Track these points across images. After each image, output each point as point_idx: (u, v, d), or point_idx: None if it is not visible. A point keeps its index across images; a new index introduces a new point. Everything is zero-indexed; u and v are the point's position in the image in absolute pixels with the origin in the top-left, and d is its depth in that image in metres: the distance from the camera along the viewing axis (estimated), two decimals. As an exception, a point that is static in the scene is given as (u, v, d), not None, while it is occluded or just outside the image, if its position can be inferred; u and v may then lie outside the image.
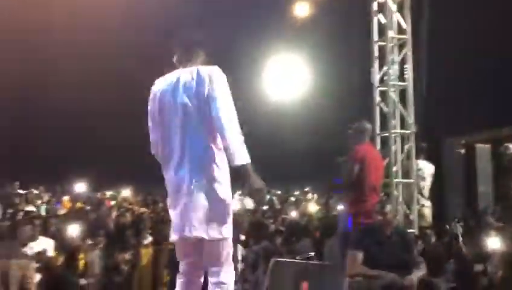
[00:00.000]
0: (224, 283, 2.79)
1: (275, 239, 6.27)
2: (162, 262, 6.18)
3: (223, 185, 2.81)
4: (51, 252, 5.67)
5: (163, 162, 2.90)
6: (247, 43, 12.65)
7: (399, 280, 3.97)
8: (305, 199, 13.75)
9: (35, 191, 11.47)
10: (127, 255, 6.03)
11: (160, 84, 2.95)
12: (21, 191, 11.84)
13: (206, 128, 2.78)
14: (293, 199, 14.31)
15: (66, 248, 5.86)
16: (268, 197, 13.66)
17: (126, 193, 13.52)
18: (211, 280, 2.81)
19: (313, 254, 4.98)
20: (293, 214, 9.78)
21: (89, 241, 6.22)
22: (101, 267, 5.93)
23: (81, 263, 5.89)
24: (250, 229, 6.93)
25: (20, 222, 5.68)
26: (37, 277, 5.10)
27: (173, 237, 2.85)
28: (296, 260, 4.78)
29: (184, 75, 2.86)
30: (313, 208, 11.46)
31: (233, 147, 2.66)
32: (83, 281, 5.84)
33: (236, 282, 5.46)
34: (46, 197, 11.22)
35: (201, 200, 2.73)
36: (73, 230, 6.16)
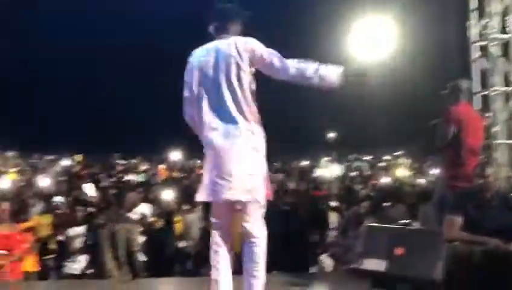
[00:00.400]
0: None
1: (365, 204, 6.18)
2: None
3: (260, 152, 3.01)
4: (150, 217, 6.08)
5: (205, 129, 2.99)
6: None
7: (503, 246, 3.75)
8: (396, 164, 13.33)
9: (135, 161, 12.27)
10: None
11: (198, 55, 3.09)
12: (123, 161, 12.77)
13: (245, 97, 2.96)
14: (383, 164, 13.95)
15: (164, 212, 6.23)
16: (356, 163, 13.50)
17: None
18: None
19: (408, 220, 4.83)
20: (384, 179, 9.53)
21: (186, 206, 6.55)
22: (199, 230, 6.24)
23: (179, 226, 6.24)
24: (340, 195, 6.89)
25: (125, 190, 6.11)
26: (141, 240, 5.50)
27: (212, 198, 2.97)
28: (390, 225, 4.67)
29: (222, 46, 3.01)
30: (404, 172, 11.09)
31: (319, 73, 2.98)
32: (182, 243, 6.21)
33: (329, 247, 5.49)
34: (144, 167, 11.95)
35: (241, 164, 2.89)
36: (169, 196, 6.50)
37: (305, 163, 14.34)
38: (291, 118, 23.42)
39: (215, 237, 3.07)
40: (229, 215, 3.04)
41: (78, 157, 13.78)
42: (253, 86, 3.06)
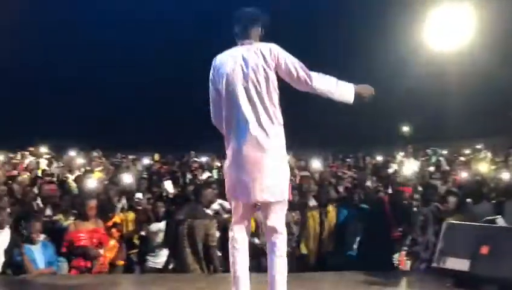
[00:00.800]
0: None
1: (446, 200, 5.91)
2: (328, 224, 6.32)
3: (285, 154, 3.23)
4: (224, 213, 6.19)
5: (232, 132, 3.17)
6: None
7: None
8: (478, 158, 12.61)
9: (208, 159, 12.60)
10: (295, 215, 6.28)
11: (223, 62, 3.23)
12: (196, 159, 13.17)
13: (273, 104, 3.15)
14: (462, 158, 13.25)
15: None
16: (435, 158, 12.92)
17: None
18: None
19: (499, 217, 4.56)
20: (464, 174, 9.06)
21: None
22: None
23: (252, 222, 6.30)
24: (419, 191, 6.66)
25: (202, 186, 6.28)
26: (217, 235, 5.63)
27: (240, 199, 3.17)
28: (472, 223, 4.45)
29: (249, 54, 3.17)
30: (487, 167, 10.46)
31: (335, 90, 3.20)
32: (256, 241, 6.27)
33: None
34: (218, 164, 12.22)
35: (269, 166, 3.10)
36: None
37: (379, 159, 13.95)
38: (361, 113, 22.87)
39: (235, 234, 3.26)
40: (251, 214, 3.33)
41: (157, 156, 14.37)
42: (278, 91, 3.21)
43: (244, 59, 3.17)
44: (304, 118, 24.28)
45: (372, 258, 5.48)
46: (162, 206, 6.37)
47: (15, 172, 10.25)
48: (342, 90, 3.23)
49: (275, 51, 3.17)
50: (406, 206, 6.03)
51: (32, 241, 5.07)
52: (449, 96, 19.26)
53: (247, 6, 3.39)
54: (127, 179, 8.20)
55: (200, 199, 5.67)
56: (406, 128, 22.37)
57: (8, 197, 6.66)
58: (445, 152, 14.77)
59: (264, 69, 3.13)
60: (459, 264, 4.14)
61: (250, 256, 5.31)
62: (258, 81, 3.13)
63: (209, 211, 5.83)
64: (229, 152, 3.22)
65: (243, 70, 3.16)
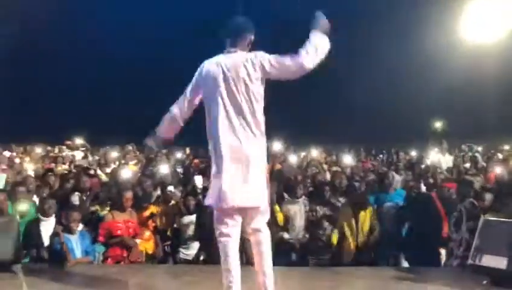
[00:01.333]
0: None
1: (482, 197, 5.77)
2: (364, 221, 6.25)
3: (263, 164, 3.37)
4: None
5: (219, 140, 3.28)
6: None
7: None
8: (515, 155, 12.22)
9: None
10: (327, 211, 6.26)
11: (208, 68, 3.39)
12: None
13: (254, 111, 3.29)
14: (500, 155, 12.86)
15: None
16: (470, 154, 12.61)
17: (314, 152, 13.96)
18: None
19: None
20: (503, 171, 8.77)
21: (288, 197, 6.62)
22: (304, 221, 6.30)
23: (280, 216, 6.31)
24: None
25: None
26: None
27: (232, 204, 3.26)
28: (510, 220, 4.34)
29: (233, 61, 3.31)
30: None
31: (321, 49, 3.30)
32: (285, 235, 6.29)
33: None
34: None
35: (257, 170, 3.27)
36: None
37: (413, 154, 13.72)
38: (394, 108, 22.63)
39: (226, 229, 3.37)
40: (240, 216, 3.40)
41: (188, 150, 14.53)
42: (262, 99, 3.35)
43: (227, 65, 3.32)
44: (335, 113, 24.19)
45: (420, 254, 5.46)
46: (192, 199, 6.46)
47: (53, 165, 10.61)
48: (322, 43, 3.32)
49: (260, 56, 3.32)
50: (454, 202, 5.91)
51: (70, 231, 5.25)
52: (487, 91, 18.76)
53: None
54: (164, 170, 8.33)
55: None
56: (438, 124, 21.94)
57: (48, 189, 6.92)
58: (480, 148, 14.40)
59: (247, 77, 3.27)
60: (495, 261, 4.06)
61: (279, 251, 5.37)
62: (238, 91, 3.28)
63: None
64: (215, 159, 3.35)
65: (226, 76, 3.30)
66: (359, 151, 14.08)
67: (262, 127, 3.35)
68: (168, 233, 6.53)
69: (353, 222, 6.12)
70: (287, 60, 3.29)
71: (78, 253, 5.25)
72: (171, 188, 7.10)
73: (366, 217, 6.14)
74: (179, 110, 3.58)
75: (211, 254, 5.93)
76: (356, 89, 21.75)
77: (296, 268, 5.46)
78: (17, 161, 10.85)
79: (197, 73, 3.50)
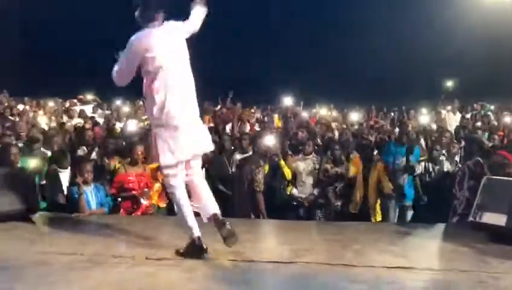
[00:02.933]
0: None
1: (490, 156, 5.79)
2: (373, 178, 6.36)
3: None
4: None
5: (171, 95, 3.65)
6: None
7: None
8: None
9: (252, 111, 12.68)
10: (338, 169, 6.35)
11: (151, 39, 3.67)
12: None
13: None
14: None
15: (267, 158, 6.43)
16: (482, 112, 12.48)
17: (323, 111, 13.95)
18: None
19: None
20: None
21: (296, 155, 6.72)
22: (312, 178, 6.42)
23: (288, 172, 6.42)
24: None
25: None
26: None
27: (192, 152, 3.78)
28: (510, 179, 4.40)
29: (173, 33, 3.78)
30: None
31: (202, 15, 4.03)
32: (294, 191, 6.43)
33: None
34: (257, 115, 12.31)
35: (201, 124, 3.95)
36: (270, 142, 6.63)
37: (424, 112, 13.62)
38: (408, 68, 22.36)
39: (180, 177, 3.78)
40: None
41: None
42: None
43: (172, 37, 3.77)
44: (347, 73, 23.98)
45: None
46: None
47: (66, 118, 10.78)
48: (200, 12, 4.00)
49: (185, 25, 3.98)
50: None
51: (85, 182, 5.44)
52: (502, 50, 18.33)
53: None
54: None
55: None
56: (450, 83, 21.60)
57: (61, 142, 7.09)
58: (493, 107, 14.24)
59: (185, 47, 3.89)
60: (496, 219, 4.15)
61: (288, 206, 5.53)
62: (186, 57, 3.84)
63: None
64: (170, 118, 3.67)
65: (173, 47, 3.76)
66: (370, 109, 14.03)
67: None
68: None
69: (360, 177, 6.27)
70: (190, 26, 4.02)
71: (93, 205, 5.46)
72: None
73: (374, 173, 6.26)
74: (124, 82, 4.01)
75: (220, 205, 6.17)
76: (370, 48, 21.48)
77: (302, 222, 5.63)
78: (30, 114, 11.02)
79: (133, 47, 3.83)
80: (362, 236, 4.38)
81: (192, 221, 3.71)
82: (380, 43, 22.41)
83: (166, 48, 3.67)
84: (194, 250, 3.64)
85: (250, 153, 6.58)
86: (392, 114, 13.58)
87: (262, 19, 25.94)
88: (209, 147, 3.97)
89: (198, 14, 4.00)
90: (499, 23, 15.03)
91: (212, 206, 3.81)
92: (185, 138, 3.69)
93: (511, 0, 9.88)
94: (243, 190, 5.59)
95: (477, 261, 3.59)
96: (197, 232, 3.68)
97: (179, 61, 3.75)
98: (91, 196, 5.47)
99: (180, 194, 3.76)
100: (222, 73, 22.10)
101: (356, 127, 9.84)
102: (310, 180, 6.44)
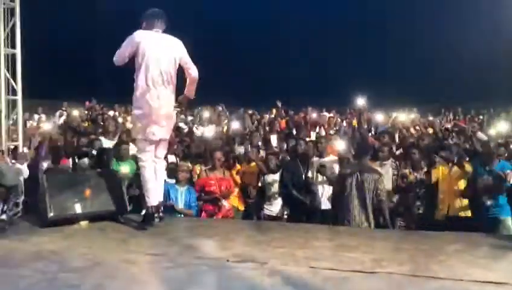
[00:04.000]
0: None
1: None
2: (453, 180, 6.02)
3: None
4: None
5: (152, 87, 4.50)
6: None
7: None
8: None
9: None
10: (419, 175, 6.10)
11: (147, 38, 4.54)
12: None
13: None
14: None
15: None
16: None
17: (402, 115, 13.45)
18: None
19: None
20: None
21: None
22: (391, 184, 6.20)
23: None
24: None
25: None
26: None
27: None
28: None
29: (169, 39, 4.65)
30: None
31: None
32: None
33: None
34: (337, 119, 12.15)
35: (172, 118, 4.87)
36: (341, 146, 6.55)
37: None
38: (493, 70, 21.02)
39: (149, 155, 4.69)
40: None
41: (275, 111, 14.56)
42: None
43: (168, 43, 4.62)
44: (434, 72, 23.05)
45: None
46: (273, 159, 6.64)
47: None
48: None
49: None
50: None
51: (178, 182, 5.77)
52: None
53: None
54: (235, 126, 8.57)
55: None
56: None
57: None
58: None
59: (176, 56, 4.69)
60: None
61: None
62: (174, 63, 4.62)
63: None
64: (148, 105, 4.49)
65: (165, 50, 4.58)
66: (456, 111, 13.36)
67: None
68: (254, 190, 6.78)
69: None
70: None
71: (180, 204, 5.68)
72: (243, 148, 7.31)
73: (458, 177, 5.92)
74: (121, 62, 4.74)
75: (293, 211, 6.17)
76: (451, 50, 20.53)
77: (383, 230, 5.45)
78: (120, 120, 11.69)
79: (132, 38, 4.64)
80: (448, 246, 4.14)
81: (150, 192, 4.63)
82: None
83: (155, 48, 4.48)
84: (147, 216, 4.62)
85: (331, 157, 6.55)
86: (481, 117, 12.84)
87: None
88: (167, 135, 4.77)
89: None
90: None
91: (157, 196, 4.68)
92: (156, 124, 4.54)
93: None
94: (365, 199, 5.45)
95: None
96: (151, 202, 4.60)
97: (163, 64, 4.49)
98: (180, 196, 5.69)
99: (148, 168, 4.66)
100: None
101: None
102: (389, 187, 6.22)
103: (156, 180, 4.72)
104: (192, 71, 4.74)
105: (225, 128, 10.27)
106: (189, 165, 6.28)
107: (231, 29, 25.78)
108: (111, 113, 13.14)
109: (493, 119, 11.50)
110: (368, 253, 3.90)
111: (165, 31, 4.68)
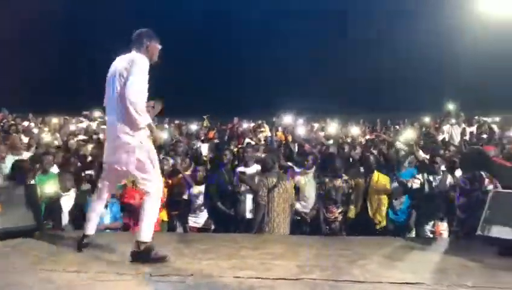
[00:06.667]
0: None
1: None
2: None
3: None
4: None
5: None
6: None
7: None
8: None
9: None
10: (339, 183, 6.30)
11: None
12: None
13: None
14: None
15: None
16: (486, 125, 12.41)
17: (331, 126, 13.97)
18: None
19: None
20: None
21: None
22: (315, 192, 6.37)
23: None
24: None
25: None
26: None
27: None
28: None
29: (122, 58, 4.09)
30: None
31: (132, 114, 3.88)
32: (297, 206, 6.37)
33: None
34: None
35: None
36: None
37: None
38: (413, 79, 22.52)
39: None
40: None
41: (206, 122, 14.57)
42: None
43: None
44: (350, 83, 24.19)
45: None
46: (201, 170, 6.60)
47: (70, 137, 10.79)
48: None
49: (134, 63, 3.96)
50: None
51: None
52: (500, 66, 18.49)
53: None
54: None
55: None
56: (452, 106, 21.53)
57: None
58: (498, 119, 14.23)
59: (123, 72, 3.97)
60: (504, 232, 4.10)
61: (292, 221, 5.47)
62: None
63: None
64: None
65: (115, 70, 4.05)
66: (375, 122, 14.05)
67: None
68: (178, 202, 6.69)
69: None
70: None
71: (106, 220, 5.55)
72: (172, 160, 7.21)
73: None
74: None
75: (219, 222, 6.16)
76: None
77: (308, 237, 5.58)
78: (35, 131, 11.06)
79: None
80: (368, 250, 4.32)
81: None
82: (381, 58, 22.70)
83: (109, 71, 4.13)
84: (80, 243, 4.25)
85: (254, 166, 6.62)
86: (397, 127, 13.58)
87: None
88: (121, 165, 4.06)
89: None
90: (499, 35, 15.10)
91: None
92: (106, 146, 4.20)
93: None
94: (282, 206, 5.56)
95: (487, 276, 3.54)
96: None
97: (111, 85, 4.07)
98: (105, 210, 5.48)
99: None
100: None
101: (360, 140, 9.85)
102: (312, 195, 6.40)
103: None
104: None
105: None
106: None
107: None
108: (25, 123, 12.38)
109: (406, 129, 12.19)
110: (293, 260, 3.97)
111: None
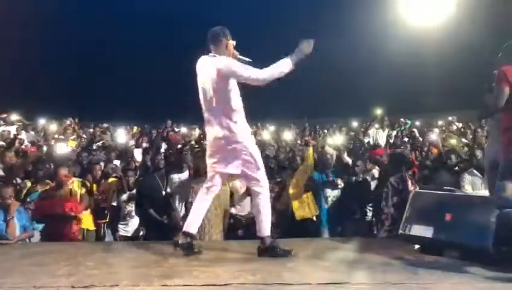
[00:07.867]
0: None
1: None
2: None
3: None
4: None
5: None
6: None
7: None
8: (449, 130, 12.88)
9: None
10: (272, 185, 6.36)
11: (199, 65, 4.30)
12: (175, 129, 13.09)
13: (223, 102, 4.16)
14: (436, 130, 13.45)
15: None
16: (406, 128, 13.13)
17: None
18: None
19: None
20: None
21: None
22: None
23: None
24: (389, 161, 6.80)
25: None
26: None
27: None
28: (438, 191, 4.60)
29: (209, 63, 4.17)
30: (455, 139, 10.69)
31: (280, 70, 4.09)
32: (232, 210, 6.34)
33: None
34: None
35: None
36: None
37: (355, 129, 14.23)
38: (334, 87, 23.30)
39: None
40: None
41: (136, 128, 14.18)
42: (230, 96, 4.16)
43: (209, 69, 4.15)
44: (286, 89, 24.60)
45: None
46: (132, 175, 6.40)
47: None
48: (284, 66, 4.07)
49: (220, 66, 4.07)
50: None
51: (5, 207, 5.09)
52: (425, 71, 19.55)
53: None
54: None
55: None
56: (379, 111, 22.66)
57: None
58: (418, 123, 15.05)
59: (214, 80, 4.09)
60: (423, 231, 4.30)
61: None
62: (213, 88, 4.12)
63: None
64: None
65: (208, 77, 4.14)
66: (304, 126, 14.36)
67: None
68: (106, 210, 6.45)
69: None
70: (246, 72, 4.05)
71: (16, 230, 5.11)
72: (116, 162, 6.99)
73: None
74: None
75: (151, 230, 5.98)
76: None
77: (236, 241, 5.55)
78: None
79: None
80: (298, 252, 4.36)
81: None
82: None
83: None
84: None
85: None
86: (326, 131, 13.97)
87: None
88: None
89: (274, 67, 4.09)
90: (423, 41, 15.95)
91: None
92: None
93: (433, 26, 10.52)
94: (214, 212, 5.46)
95: (409, 273, 3.67)
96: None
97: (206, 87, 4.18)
98: (13, 221, 5.12)
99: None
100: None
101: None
102: (248, 199, 6.40)
103: None
104: (248, 78, 4.24)
105: (72, 143, 9.57)
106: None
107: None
108: None
109: (335, 133, 12.60)
110: (222, 265, 3.92)
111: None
